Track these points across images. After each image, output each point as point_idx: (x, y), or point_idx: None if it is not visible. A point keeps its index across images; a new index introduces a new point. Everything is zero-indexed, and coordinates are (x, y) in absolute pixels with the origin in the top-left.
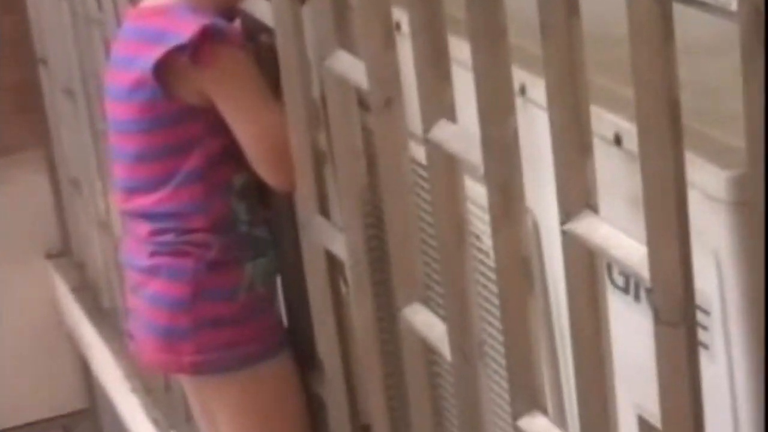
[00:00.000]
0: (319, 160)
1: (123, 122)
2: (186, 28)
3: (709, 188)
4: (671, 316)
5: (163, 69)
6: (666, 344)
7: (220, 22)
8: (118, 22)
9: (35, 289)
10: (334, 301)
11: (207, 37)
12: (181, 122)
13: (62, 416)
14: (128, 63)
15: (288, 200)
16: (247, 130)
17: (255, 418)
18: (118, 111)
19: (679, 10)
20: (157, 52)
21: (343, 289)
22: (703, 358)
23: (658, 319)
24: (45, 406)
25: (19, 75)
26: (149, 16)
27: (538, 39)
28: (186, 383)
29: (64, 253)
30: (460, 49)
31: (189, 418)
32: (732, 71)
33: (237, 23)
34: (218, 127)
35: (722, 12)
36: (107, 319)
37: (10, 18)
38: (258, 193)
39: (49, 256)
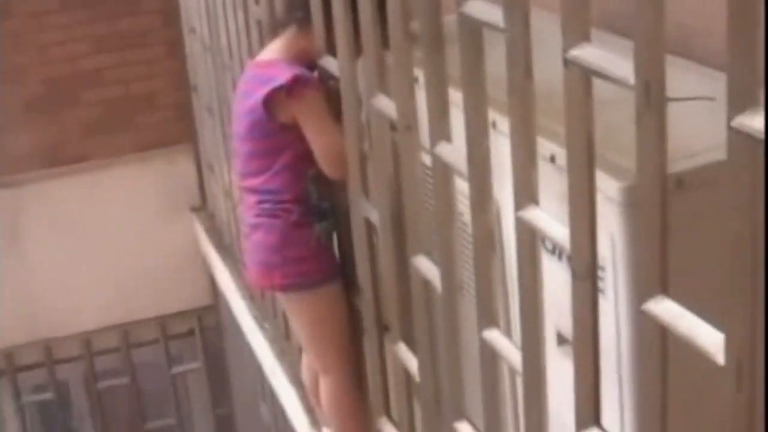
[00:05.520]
0: (363, 162)
1: (241, 132)
2: (284, 75)
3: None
4: (582, 273)
5: (268, 100)
6: (579, 293)
7: (306, 72)
8: (242, 69)
9: (183, 230)
10: (369, 249)
11: (297, 82)
12: (278, 134)
13: (197, 309)
14: (246, 95)
15: (343, 186)
16: (318, 141)
17: (317, 321)
18: (238, 125)
19: None
20: (265, 90)
21: (376, 242)
22: (600, 299)
23: (575, 275)
24: (187, 302)
25: (179, 97)
26: (261, 66)
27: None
28: (279, 297)
29: (202, 207)
30: (456, 96)
31: (275, 315)
32: None
33: (315, 72)
34: (301, 138)
35: None
36: (227, 251)
37: (172, 62)
38: (324, 180)
39: (193, 209)
